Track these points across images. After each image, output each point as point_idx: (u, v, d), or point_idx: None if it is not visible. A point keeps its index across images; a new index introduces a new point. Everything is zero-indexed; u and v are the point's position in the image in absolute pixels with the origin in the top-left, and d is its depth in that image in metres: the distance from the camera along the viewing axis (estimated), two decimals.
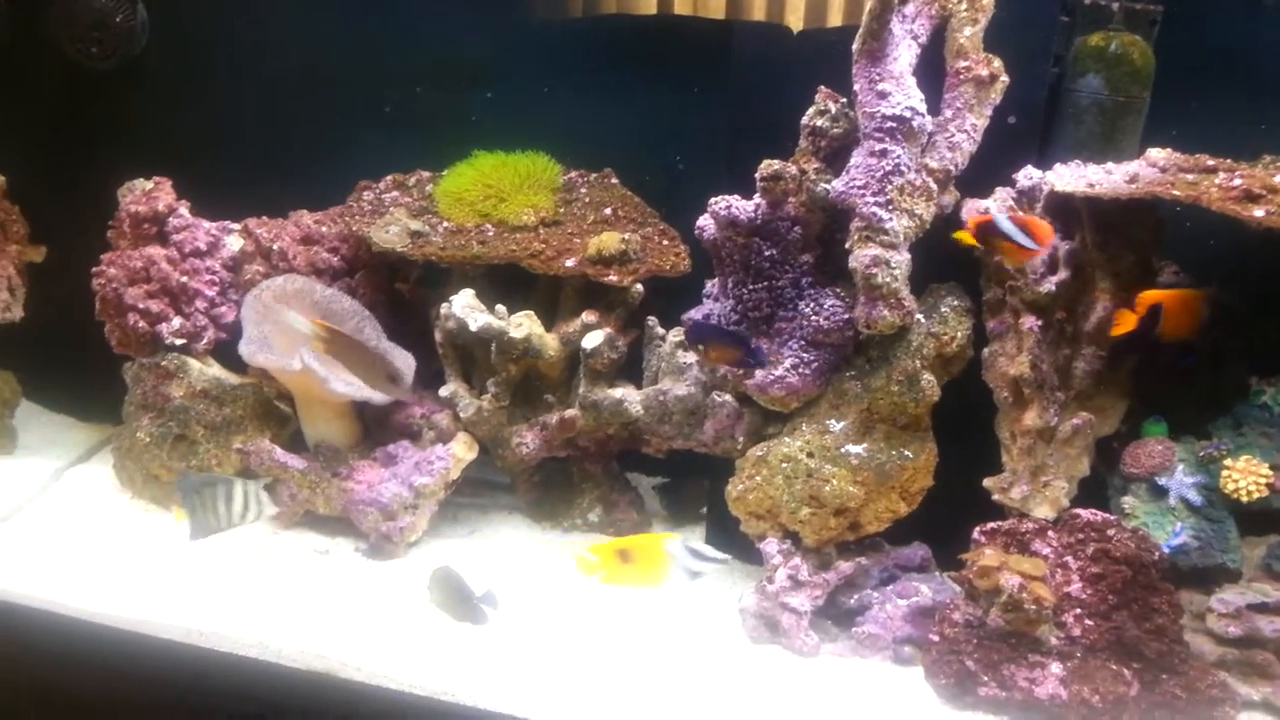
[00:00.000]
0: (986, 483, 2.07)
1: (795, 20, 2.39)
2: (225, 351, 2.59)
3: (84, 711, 2.22)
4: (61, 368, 2.88)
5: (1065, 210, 1.96)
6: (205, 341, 2.54)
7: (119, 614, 2.18)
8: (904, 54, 1.91)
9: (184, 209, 2.52)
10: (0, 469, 2.72)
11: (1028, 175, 1.97)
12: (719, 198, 2.06)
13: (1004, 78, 1.95)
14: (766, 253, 2.07)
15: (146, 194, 2.49)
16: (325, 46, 2.60)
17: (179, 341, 2.49)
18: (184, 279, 2.48)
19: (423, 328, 2.53)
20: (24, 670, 2.22)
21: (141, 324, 2.46)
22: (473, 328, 2.25)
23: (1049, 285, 1.94)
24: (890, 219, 1.94)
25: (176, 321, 2.48)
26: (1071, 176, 1.93)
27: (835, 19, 2.34)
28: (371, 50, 2.65)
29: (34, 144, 2.70)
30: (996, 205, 1.95)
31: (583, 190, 2.49)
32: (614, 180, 2.51)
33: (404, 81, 2.63)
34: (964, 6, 1.93)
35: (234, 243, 2.57)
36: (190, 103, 2.68)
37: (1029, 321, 1.95)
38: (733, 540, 2.40)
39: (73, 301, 2.65)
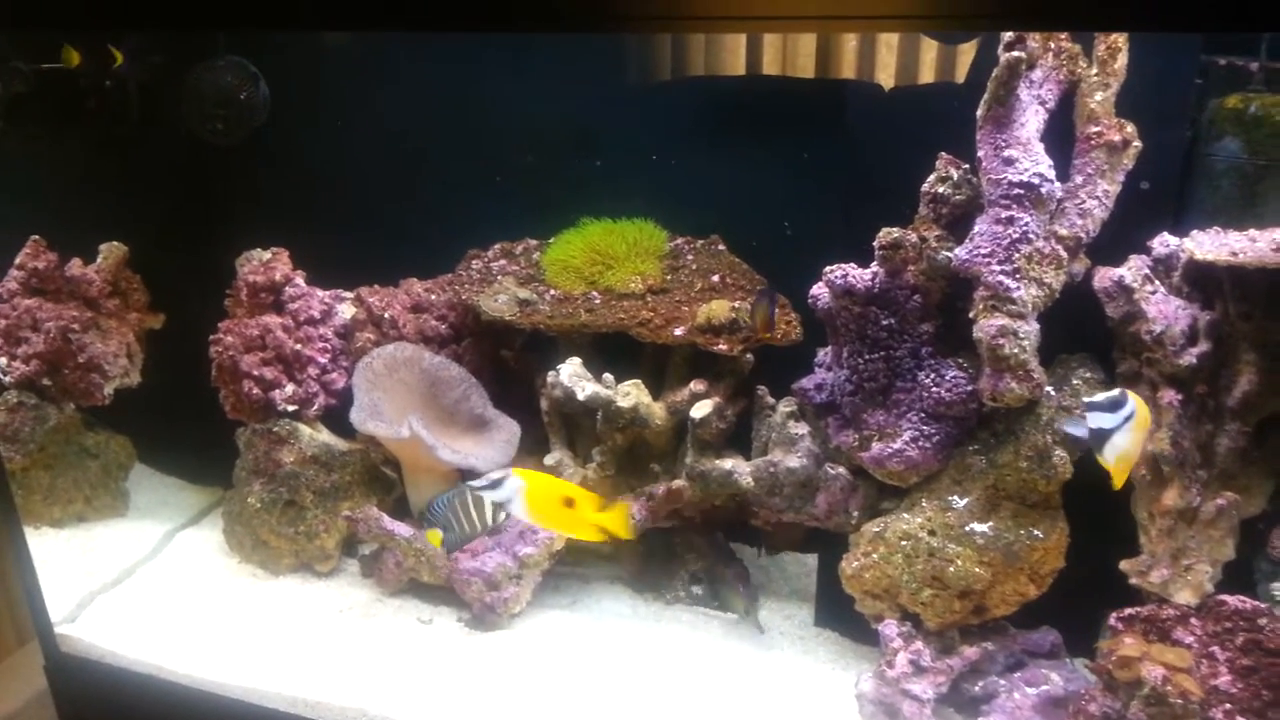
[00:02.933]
0: (1123, 565, 1.95)
1: (886, 79, 2.36)
2: (331, 417, 2.62)
3: None
4: (173, 431, 2.94)
5: (1205, 279, 1.86)
6: (316, 408, 2.57)
7: (226, 681, 2.19)
8: (1031, 120, 1.85)
9: (299, 278, 2.57)
10: (114, 531, 2.79)
11: (1164, 243, 1.89)
12: (834, 266, 2.01)
13: (1137, 143, 1.88)
14: (884, 322, 2.01)
15: (264, 264, 2.55)
16: (431, 117, 2.65)
17: (291, 408, 2.52)
18: (298, 347, 2.52)
19: (527, 396, 2.53)
20: None
21: (256, 391, 2.50)
22: (580, 397, 2.22)
23: (1189, 358, 1.84)
24: (1018, 288, 1.87)
25: (290, 388, 2.52)
26: (1212, 244, 1.83)
27: (927, 75, 2.30)
28: (480, 119, 2.69)
29: (156, 216, 2.79)
30: (1131, 274, 1.86)
31: (689, 257, 2.47)
32: (721, 246, 2.49)
33: (513, 150, 2.65)
34: (1095, 72, 1.87)
35: (346, 311, 2.61)
36: (306, 174, 2.74)
37: (1169, 396, 1.85)
38: (843, 617, 2.33)
39: (186, 367, 2.72)
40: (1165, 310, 1.86)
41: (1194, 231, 1.89)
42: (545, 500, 1.82)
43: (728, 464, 2.20)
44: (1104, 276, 1.90)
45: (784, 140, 2.41)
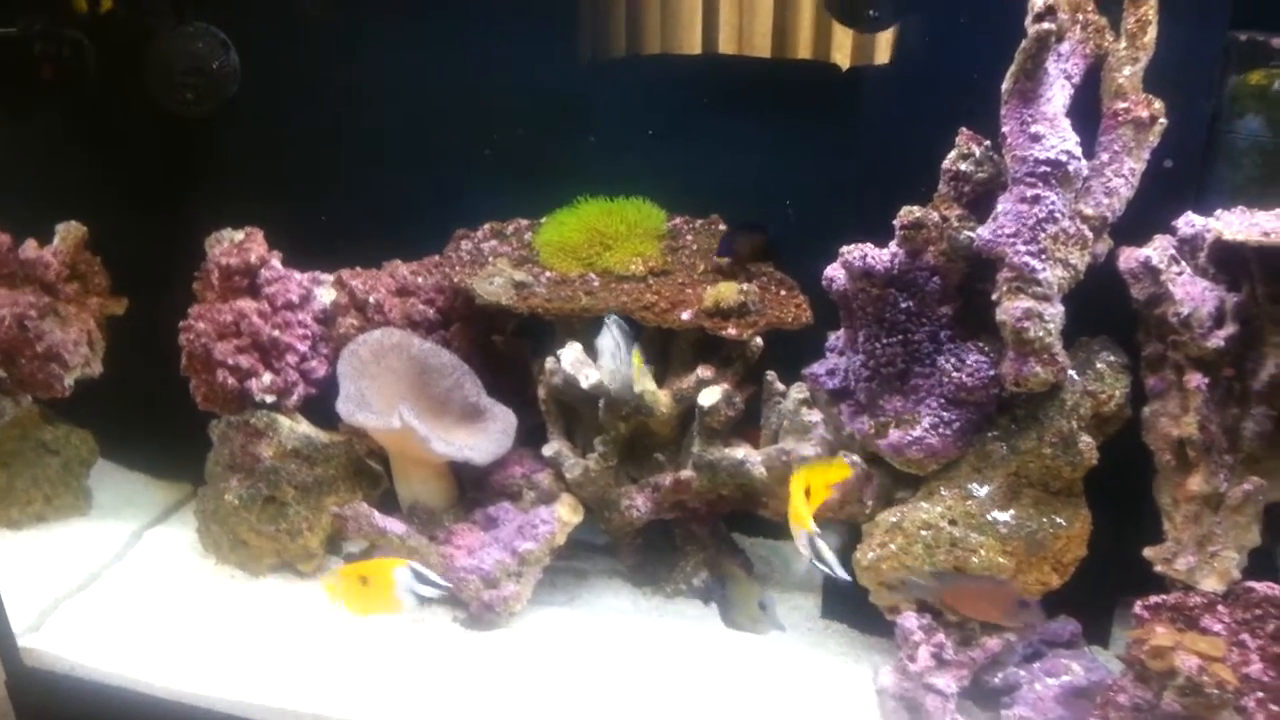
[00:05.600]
0: (1147, 553, 1.91)
1: (842, 58, 2.29)
2: (309, 407, 2.49)
3: None
4: (137, 423, 2.78)
5: (1232, 260, 1.82)
6: (295, 398, 2.44)
7: (208, 692, 2.06)
8: (1058, 94, 1.79)
9: (276, 260, 2.43)
10: (76, 532, 2.63)
11: (1189, 223, 1.84)
12: (852, 246, 1.93)
13: (1163, 120, 1.83)
14: (903, 305, 1.94)
15: (238, 245, 2.41)
16: (401, 88, 2.52)
17: (269, 398, 2.39)
18: (276, 333, 2.38)
19: (519, 383, 2.43)
20: None
21: (231, 380, 2.36)
22: (584, 385, 2.13)
23: (1217, 340, 1.79)
24: (1043, 269, 1.81)
25: (267, 378, 2.38)
26: (1241, 224, 1.79)
27: (882, 56, 2.23)
28: (450, 92, 2.56)
29: (116, 192, 2.62)
30: (1158, 255, 1.81)
31: (688, 238, 2.38)
32: (722, 226, 2.40)
33: (499, 126, 2.53)
34: (1123, 45, 1.81)
35: (325, 295, 2.48)
36: (276, 150, 2.60)
37: (1196, 379, 1.81)
38: (851, 608, 2.27)
39: (150, 355, 2.57)
40: (1192, 292, 1.81)
41: (1220, 211, 1.85)
42: None
43: (739, 453, 2.12)
44: (1130, 257, 1.85)
45: (788, 122, 2.33)
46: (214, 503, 2.46)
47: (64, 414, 2.66)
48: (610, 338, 2.05)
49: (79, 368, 2.54)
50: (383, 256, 2.58)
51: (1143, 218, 1.90)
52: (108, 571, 2.48)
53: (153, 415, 2.72)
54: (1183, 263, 1.83)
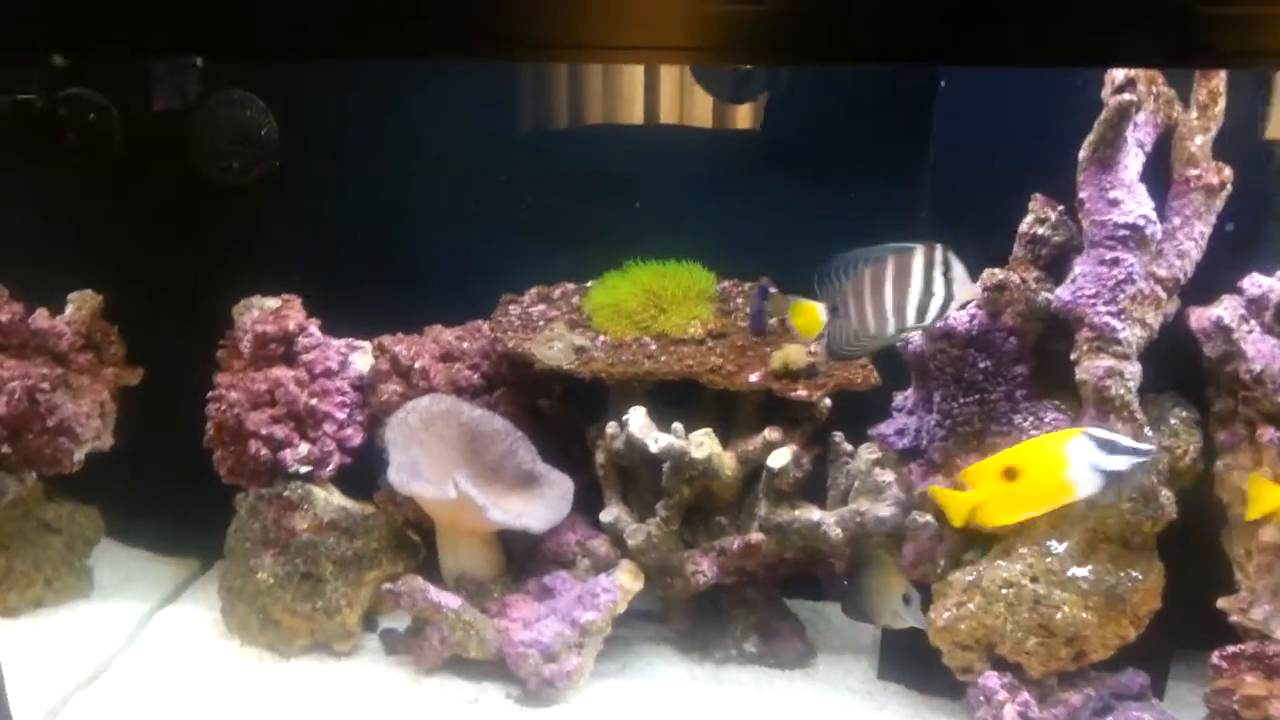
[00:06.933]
0: (1221, 603, 1.96)
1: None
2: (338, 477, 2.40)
3: None
4: (139, 497, 2.62)
5: None
6: (331, 467, 2.33)
7: None
8: (1133, 162, 1.86)
9: (315, 327, 2.34)
10: (79, 616, 2.44)
11: (1256, 283, 1.92)
12: None
13: (1230, 186, 1.92)
14: (981, 365, 1.97)
15: (275, 313, 2.31)
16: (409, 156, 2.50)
17: (305, 469, 2.28)
18: (314, 401, 2.29)
19: (565, 447, 2.37)
20: None
21: (264, 451, 2.25)
22: (653, 449, 2.09)
23: None
24: (1123, 328, 1.86)
25: (304, 448, 2.28)
26: None
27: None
28: (495, 158, 2.55)
29: (136, 260, 2.49)
30: (1229, 314, 1.89)
31: (738, 300, 2.38)
32: (773, 289, 2.40)
33: (537, 191, 2.52)
34: (1194, 115, 1.89)
35: (361, 361, 2.39)
36: (305, 216, 2.53)
37: (1269, 433, 1.88)
38: (910, 669, 2.27)
39: (155, 424, 2.45)
40: (1262, 349, 1.89)
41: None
42: None
43: (815, 515, 2.11)
44: (1201, 317, 1.92)
45: (833, 185, 2.37)
46: (241, 580, 2.33)
47: (65, 489, 2.49)
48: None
49: (90, 441, 2.39)
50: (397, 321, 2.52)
51: (1200, 278, 1.98)
52: (119, 659, 2.31)
53: (155, 488, 2.57)
54: (1251, 321, 1.91)
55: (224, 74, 2.28)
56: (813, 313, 1.74)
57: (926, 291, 1.69)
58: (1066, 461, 1.66)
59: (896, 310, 1.71)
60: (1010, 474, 1.70)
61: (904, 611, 1.97)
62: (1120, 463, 1.67)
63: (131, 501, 2.61)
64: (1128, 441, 1.70)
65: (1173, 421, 1.98)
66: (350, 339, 2.42)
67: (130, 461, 2.50)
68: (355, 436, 2.36)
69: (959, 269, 1.69)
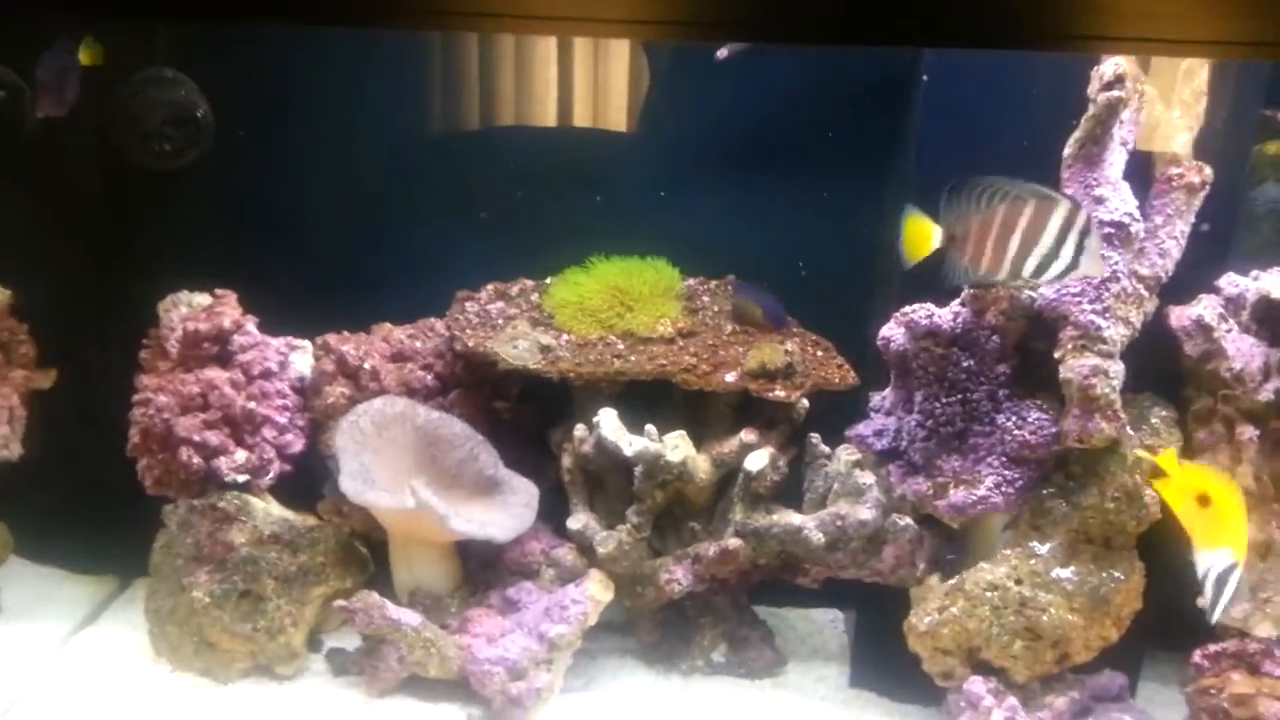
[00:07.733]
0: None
1: None
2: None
3: None
4: (50, 511, 2.40)
5: (1274, 317, 1.91)
6: (270, 476, 2.16)
7: None
8: (1117, 160, 1.84)
9: (251, 325, 2.16)
10: None
11: (1233, 283, 1.92)
12: (915, 306, 1.92)
13: (1209, 185, 1.91)
14: (964, 364, 1.93)
15: (208, 309, 2.13)
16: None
17: (241, 478, 2.11)
18: (251, 405, 2.12)
19: (524, 451, 2.25)
20: None
21: (196, 459, 2.08)
22: (627, 452, 1.99)
23: (1267, 393, 1.88)
24: (1108, 327, 1.84)
25: (241, 455, 2.11)
26: None
27: None
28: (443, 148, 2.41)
29: (50, 252, 2.28)
30: (1209, 313, 1.88)
31: (705, 298, 2.29)
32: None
33: (489, 183, 2.39)
34: (1177, 113, 1.88)
35: (301, 361, 2.23)
36: (241, 206, 2.34)
37: (1248, 432, 1.88)
38: (883, 676, 2.22)
39: (66, 432, 2.28)
40: (1241, 348, 1.89)
41: (1256, 271, 1.95)
42: None
43: (795, 519, 2.04)
44: (1181, 315, 1.92)
45: (799, 182, 2.30)
46: (171, 599, 2.14)
47: None
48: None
49: None
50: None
51: (1175, 278, 1.97)
52: (36, 688, 2.10)
53: (67, 501, 2.36)
54: (1230, 320, 1.91)
55: (156, 52, 2.09)
56: (926, 233, 1.62)
57: (1054, 251, 1.60)
58: None
59: (1017, 258, 1.61)
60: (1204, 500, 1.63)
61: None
62: None
63: (43, 516, 2.39)
64: None
65: (1153, 421, 1.97)
66: (289, 338, 2.25)
67: (41, 472, 2.28)
68: (296, 443, 2.20)
69: (1094, 240, 1.60)
